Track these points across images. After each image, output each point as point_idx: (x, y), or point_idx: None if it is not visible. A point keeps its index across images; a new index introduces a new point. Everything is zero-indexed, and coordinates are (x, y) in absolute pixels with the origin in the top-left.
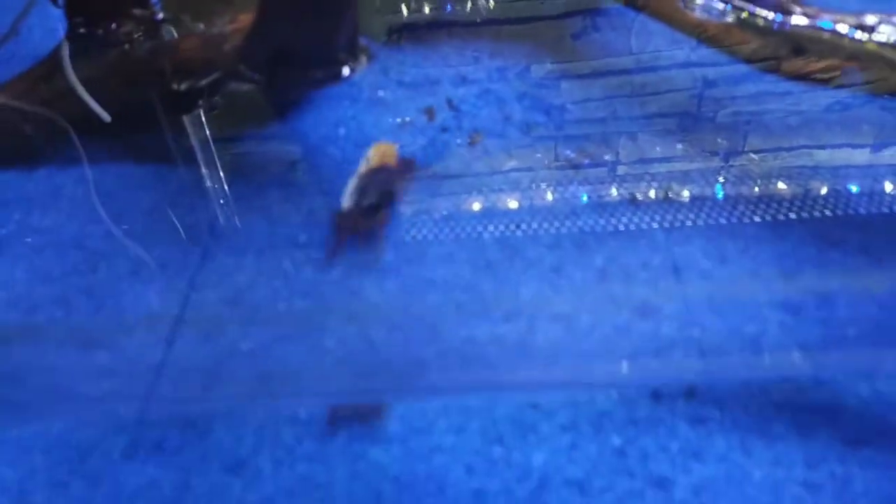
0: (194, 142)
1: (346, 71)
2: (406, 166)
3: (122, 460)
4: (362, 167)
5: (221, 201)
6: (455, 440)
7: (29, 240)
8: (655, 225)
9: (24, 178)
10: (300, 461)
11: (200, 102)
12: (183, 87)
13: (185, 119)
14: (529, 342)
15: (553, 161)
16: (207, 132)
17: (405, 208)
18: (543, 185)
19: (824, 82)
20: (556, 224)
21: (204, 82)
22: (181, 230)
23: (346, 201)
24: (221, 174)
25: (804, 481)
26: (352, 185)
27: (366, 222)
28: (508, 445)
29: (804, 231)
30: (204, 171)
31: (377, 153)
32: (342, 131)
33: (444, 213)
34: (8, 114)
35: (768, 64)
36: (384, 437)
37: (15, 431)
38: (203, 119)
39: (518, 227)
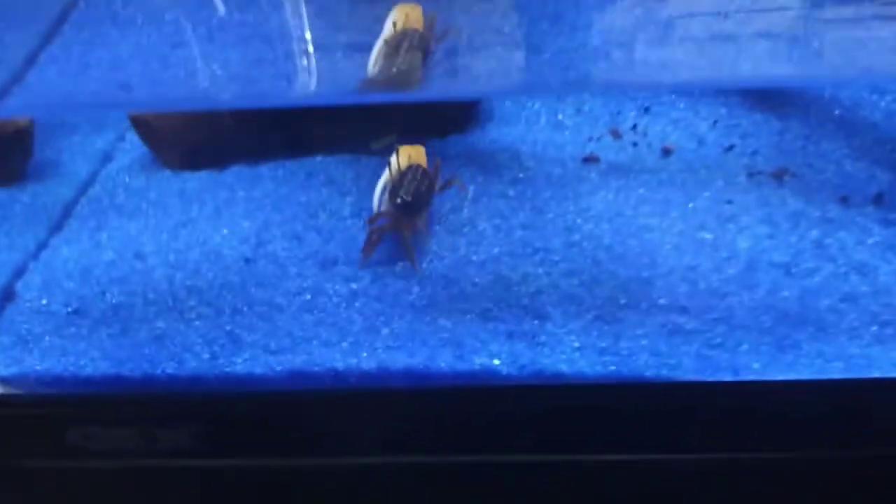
0: None
1: None
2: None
3: (350, 218)
4: (393, 169)
5: None
6: (660, 222)
7: None
8: None
9: None
10: (516, 229)
11: None
12: None
13: None
14: None
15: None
16: None
17: None
18: None
19: None
20: None
21: None
22: None
23: (381, 204)
24: None
25: None
26: (384, 186)
27: (404, 222)
28: (712, 231)
29: None
30: None
31: (406, 154)
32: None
33: None
34: None
35: None
36: (594, 217)
37: (244, 193)
38: None
39: None
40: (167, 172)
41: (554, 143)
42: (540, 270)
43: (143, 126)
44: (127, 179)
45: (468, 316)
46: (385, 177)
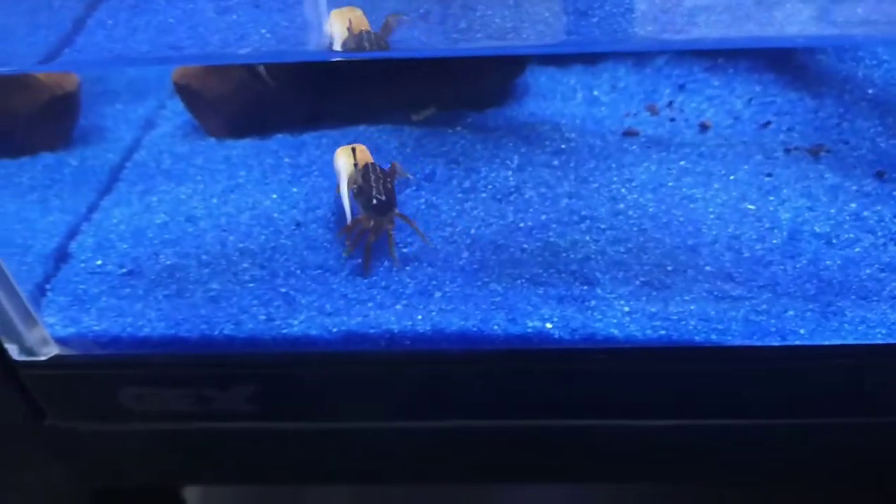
0: None
1: None
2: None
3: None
4: (350, 170)
5: None
6: (703, 193)
7: None
8: None
9: None
10: (562, 197)
11: None
12: None
13: None
14: None
15: None
16: None
17: None
18: None
19: None
20: None
21: None
22: None
23: (352, 209)
24: None
25: None
26: (348, 191)
27: (384, 220)
28: (754, 202)
29: None
30: None
31: (356, 156)
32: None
33: None
34: None
35: None
36: (637, 187)
37: (290, 159)
38: None
39: None
40: (211, 140)
41: (592, 117)
42: (587, 238)
43: (188, 93)
44: (172, 145)
45: (518, 281)
46: (346, 183)
